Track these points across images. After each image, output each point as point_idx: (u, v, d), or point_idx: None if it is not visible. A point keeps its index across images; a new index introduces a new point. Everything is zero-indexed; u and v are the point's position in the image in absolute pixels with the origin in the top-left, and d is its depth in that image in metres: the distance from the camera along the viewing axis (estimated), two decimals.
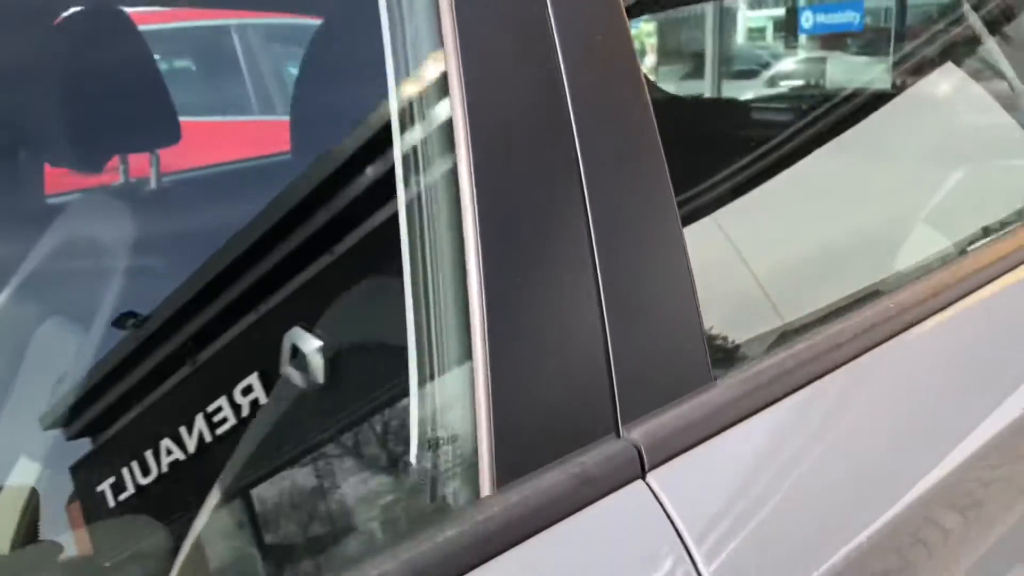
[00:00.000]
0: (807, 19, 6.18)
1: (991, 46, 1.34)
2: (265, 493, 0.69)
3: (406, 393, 0.56)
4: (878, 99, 1.62)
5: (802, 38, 7.08)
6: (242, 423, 0.72)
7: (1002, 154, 1.32)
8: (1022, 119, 1.29)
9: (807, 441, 0.64)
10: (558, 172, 0.55)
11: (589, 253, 0.56)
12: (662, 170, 0.61)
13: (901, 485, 0.67)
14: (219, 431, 0.73)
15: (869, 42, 6.10)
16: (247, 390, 0.72)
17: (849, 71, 5.80)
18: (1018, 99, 1.33)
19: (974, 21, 1.30)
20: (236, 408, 0.72)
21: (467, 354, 0.52)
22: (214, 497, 0.69)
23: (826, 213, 1.04)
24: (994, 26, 1.25)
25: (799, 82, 6.20)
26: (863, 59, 6.12)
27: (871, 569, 0.62)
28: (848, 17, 5.89)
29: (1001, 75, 1.36)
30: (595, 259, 0.56)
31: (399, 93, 0.57)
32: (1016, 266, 0.90)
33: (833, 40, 6.74)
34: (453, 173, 0.53)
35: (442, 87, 0.54)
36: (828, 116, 1.68)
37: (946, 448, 0.72)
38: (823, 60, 6.29)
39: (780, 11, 8.40)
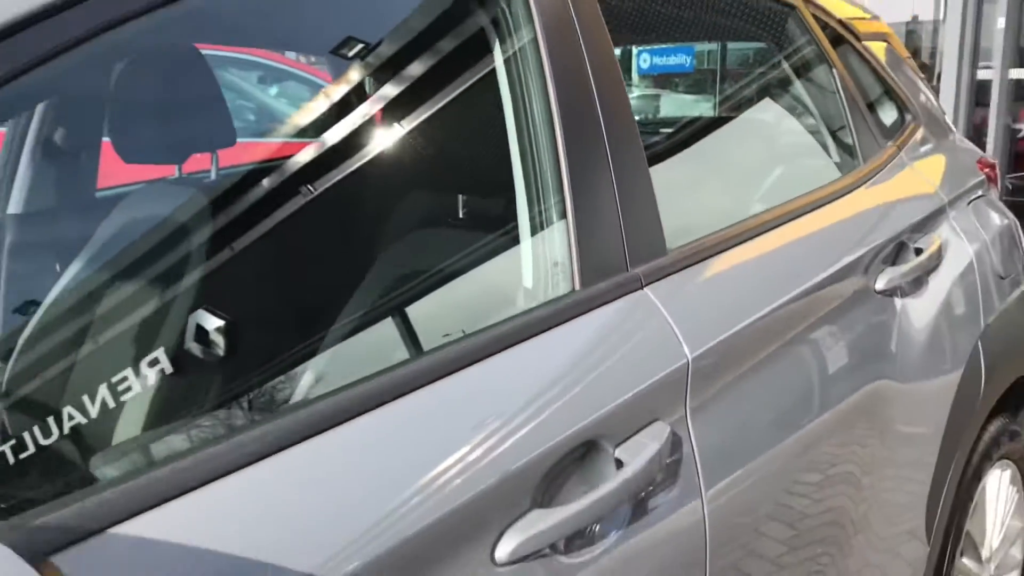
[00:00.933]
0: (644, 60, 7.00)
1: (799, 86, 1.98)
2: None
3: (525, 237, 1.09)
4: (711, 126, 2.25)
5: (636, 77, 7.95)
6: None
7: (804, 158, 1.96)
8: (821, 138, 1.93)
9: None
10: (594, 128, 1.10)
11: (608, 168, 1.11)
12: (637, 133, 1.17)
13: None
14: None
15: (696, 82, 7.01)
16: None
17: (680, 106, 6.66)
18: (819, 124, 1.97)
19: (785, 67, 1.94)
20: None
21: (563, 213, 1.06)
22: None
23: (685, 208, 1.60)
24: (800, 70, 1.88)
25: (637, 116, 7.02)
26: (692, 96, 7.03)
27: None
28: (680, 59, 6.78)
29: (807, 109, 1.99)
30: (612, 171, 1.11)
31: (529, 88, 1.10)
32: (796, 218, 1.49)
33: (664, 79, 7.63)
34: (552, 133, 1.07)
35: (544, 87, 1.08)
36: (669, 138, 2.31)
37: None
38: (657, 96, 7.15)
39: (617, 52, 9.29)
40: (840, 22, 1.83)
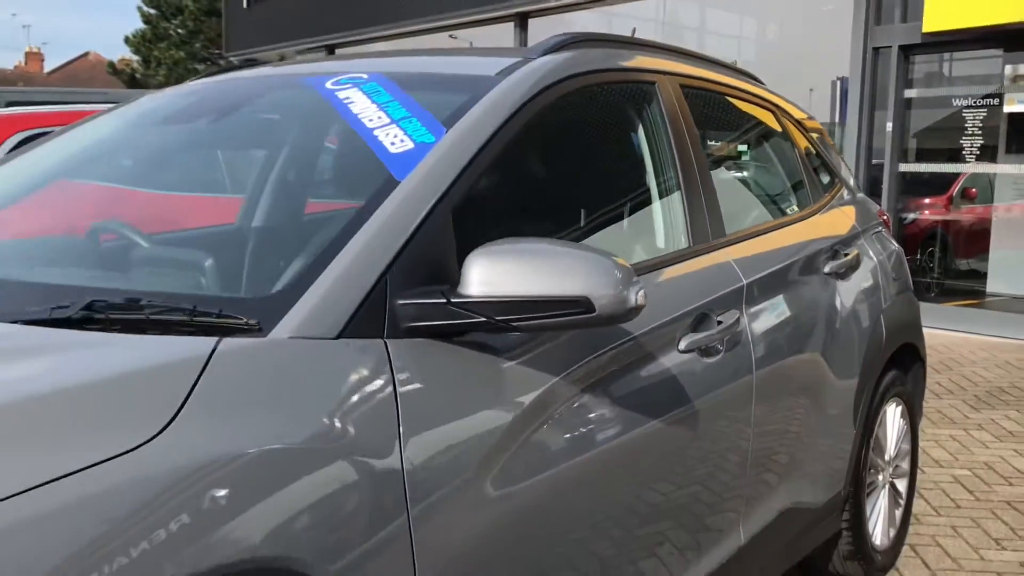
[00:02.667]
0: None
1: (777, 155, 3.09)
2: None
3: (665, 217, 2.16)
4: (733, 170, 3.30)
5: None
6: None
7: (781, 197, 3.06)
8: (788, 187, 3.03)
9: None
10: (690, 163, 2.16)
11: (698, 184, 2.18)
12: (708, 167, 2.26)
13: None
14: None
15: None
16: None
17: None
18: (786, 179, 3.07)
19: (768, 142, 3.05)
20: None
21: (681, 208, 2.14)
22: None
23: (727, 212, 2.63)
24: (776, 145, 3.00)
25: None
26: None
27: None
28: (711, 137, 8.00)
29: (780, 169, 3.09)
30: (700, 186, 2.18)
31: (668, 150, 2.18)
32: (782, 227, 2.61)
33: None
34: (674, 165, 2.15)
35: (668, 143, 2.16)
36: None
37: None
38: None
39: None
40: (798, 121, 3.00)
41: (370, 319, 1.34)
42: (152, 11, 31.47)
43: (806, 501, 2.50)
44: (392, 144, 1.62)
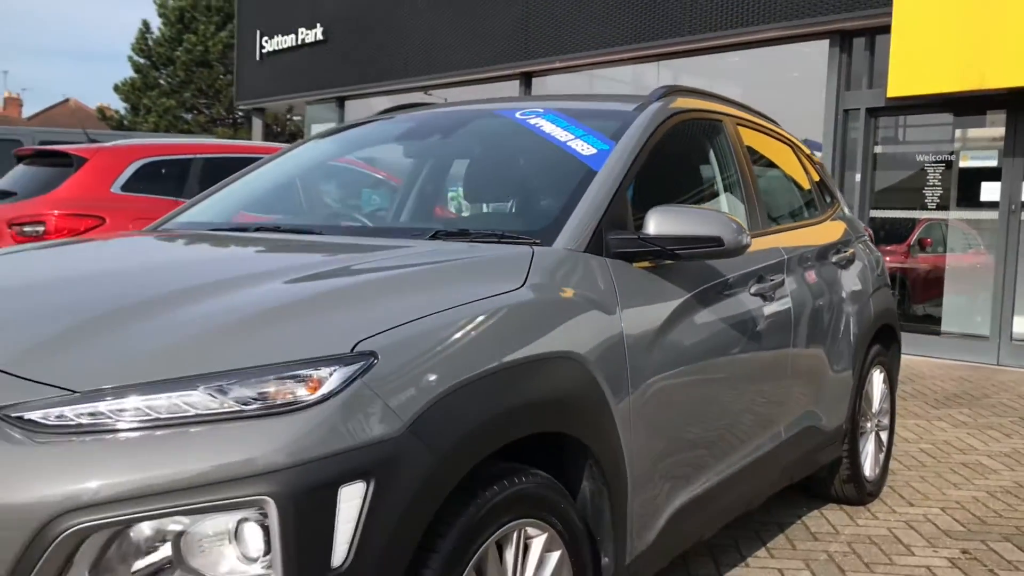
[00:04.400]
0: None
1: (791, 177, 4.11)
2: None
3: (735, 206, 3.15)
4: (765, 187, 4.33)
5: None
6: None
7: (798, 207, 4.07)
8: (801, 201, 4.06)
9: None
10: (750, 174, 3.19)
11: (754, 190, 3.28)
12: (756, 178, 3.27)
13: None
14: None
15: None
16: None
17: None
18: (801, 195, 4.09)
19: (786, 167, 4.07)
20: None
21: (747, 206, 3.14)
22: None
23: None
24: (792, 170, 4.01)
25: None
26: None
27: None
28: None
29: (796, 187, 4.12)
30: (755, 191, 3.23)
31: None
32: (801, 228, 3.63)
33: None
34: (745, 178, 3.16)
35: (734, 161, 3.17)
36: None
37: None
38: None
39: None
40: (807, 155, 4.04)
41: (595, 245, 2.30)
42: (143, 61, 32.42)
43: (821, 424, 3.46)
44: (583, 150, 2.60)
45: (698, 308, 2.56)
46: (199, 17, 30.96)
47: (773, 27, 9.22)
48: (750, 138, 3.37)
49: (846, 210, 4.28)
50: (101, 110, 35.71)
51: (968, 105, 8.29)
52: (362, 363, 1.60)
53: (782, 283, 3.07)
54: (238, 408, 1.50)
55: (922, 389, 6.86)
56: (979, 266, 8.59)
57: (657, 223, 2.35)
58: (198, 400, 1.50)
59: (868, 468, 3.98)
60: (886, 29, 8.35)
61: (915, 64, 8.06)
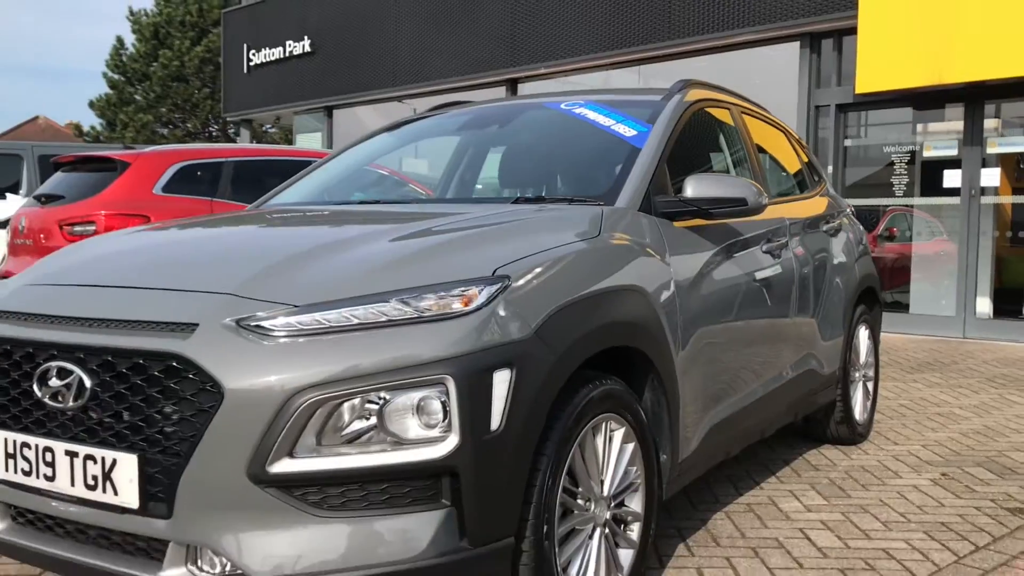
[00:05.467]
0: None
1: (786, 158, 4.69)
2: None
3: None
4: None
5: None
6: None
7: (794, 183, 4.65)
8: (793, 179, 4.64)
9: None
10: (758, 156, 3.76)
11: (759, 165, 3.80)
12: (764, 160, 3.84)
13: None
14: None
15: None
16: None
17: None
18: (791, 173, 4.68)
19: (782, 151, 4.65)
20: None
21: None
22: None
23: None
24: (784, 152, 4.59)
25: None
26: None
27: None
28: None
29: (789, 166, 4.70)
30: (760, 165, 3.77)
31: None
32: (796, 200, 4.21)
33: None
34: (754, 157, 3.73)
35: (743, 143, 3.74)
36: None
37: None
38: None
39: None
40: (797, 139, 4.62)
41: (646, 206, 2.85)
42: (118, 77, 32.62)
43: (818, 369, 4.02)
44: (624, 132, 3.15)
45: (724, 259, 3.12)
46: (174, 33, 31.26)
47: (747, 31, 9.86)
48: (751, 123, 3.94)
49: (831, 188, 4.87)
50: (77, 126, 35.80)
51: (930, 99, 8.97)
52: (500, 283, 2.13)
53: (786, 244, 3.64)
54: (418, 315, 2.02)
55: (897, 359, 7.49)
56: (944, 251, 9.26)
57: (694, 187, 2.90)
58: (389, 309, 2.02)
59: (858, 412, 4.56)
60: (852, 31, 9.02)
61: (880, 62, 8.72)
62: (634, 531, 2.53)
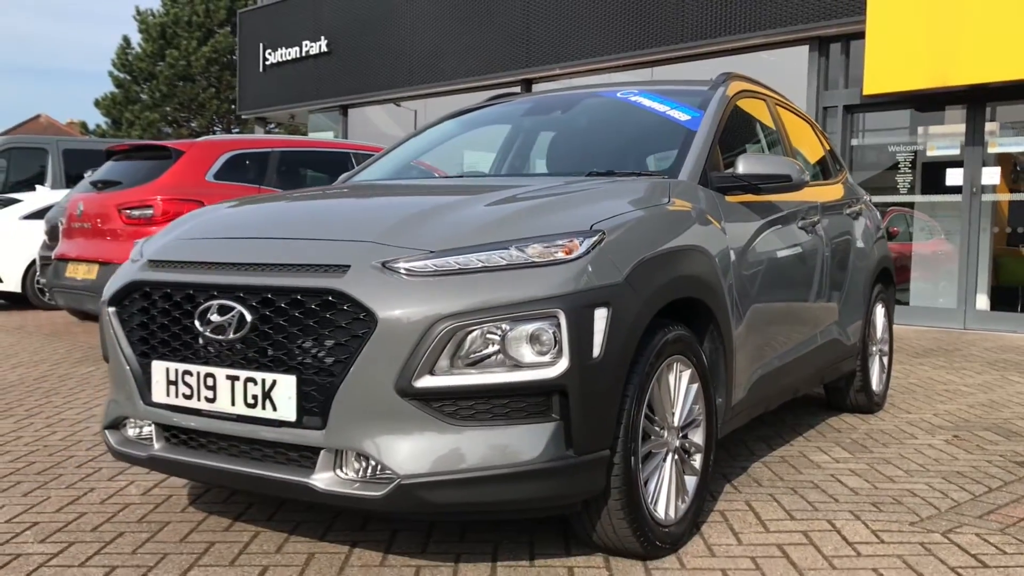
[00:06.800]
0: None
1: (810, 148, 5.08)
2: None
3: None
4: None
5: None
6: None
7: (818, 169, 5.04)
8: (818, 166, 5.03)
9: None
10: (789, 140, 4.15)
11: (790, 149, 4.18)
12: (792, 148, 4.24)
13: None
14: None
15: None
16: None
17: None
18: (816, 160, 5.07)
19: (807, 141, 5.04)
20: None
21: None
22: None
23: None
24: (810, 142, 4.98)
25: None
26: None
27: None
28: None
29: (813, 153, 5.10)
30: (791, 149, 4.18)
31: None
32: (820, 185, 4.61)
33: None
34: (787, 140, 4.13)
35: (780, 130, 4.13)
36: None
37: None
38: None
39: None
40: (821, 131, 5.01)
41: (704, 181, 3.23)
42: (124, 76, 32.94)
43: (843, 339, 4.41)
44: (679, 117, 3.53)
45: (769, 231, 3.51)
46: (181, 33, 31.59)
47: (757, 34, 10.27)
48: (783, 114, 4.33)
49: (850, 177, 5.26)
50: (83, 125, 36.09)
51: (933, 101, 9.39)
52: (597, 236, 2.51)
53: (818, 223, 4.03)
54: (531, 260, 2.40)
55: (902, 346, 7.89)
56: (946, 249, 9.67)
57: (745, 164, 3.29)
58: (507, 255, 2.40)
59: (875, 383, 4.95)
60: (860, 35, 9.43)
61: (887, 65, 9.14)
62: (696, 461, 2.91)
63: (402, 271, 2.36)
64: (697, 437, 2.92)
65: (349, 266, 2.39)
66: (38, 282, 9.62)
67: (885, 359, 5.19)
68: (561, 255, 2.44)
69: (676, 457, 2.80)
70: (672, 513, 2.74)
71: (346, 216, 2.90)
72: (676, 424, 2.80)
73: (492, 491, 2.33)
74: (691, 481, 2.89)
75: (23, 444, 4.07)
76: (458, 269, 2.37)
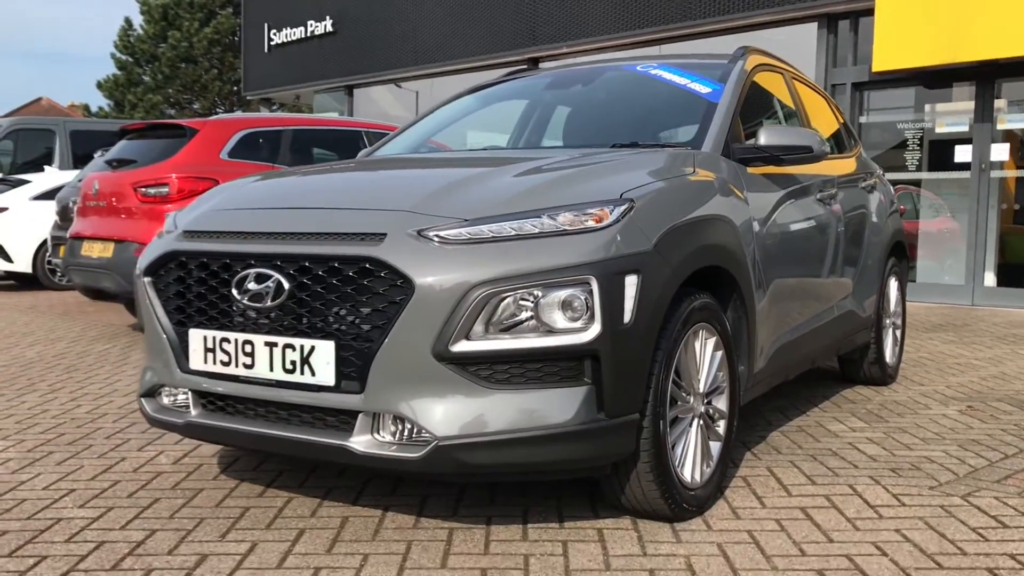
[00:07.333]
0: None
1: (829, 122, 5.11)
2: None
3: None
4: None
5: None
6: None
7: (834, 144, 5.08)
8: (834, 140, 5.07)
9: None
10: (808, 118, 4.19)
11: (808, 122, 4.20)
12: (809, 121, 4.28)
13: None
14: None
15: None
16: None
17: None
18: (833, 135, 5.11)
19: (825, 116, 5.07)
20: None
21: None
22: None
23: None
24: (828, 118, 5.02)
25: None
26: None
27: None
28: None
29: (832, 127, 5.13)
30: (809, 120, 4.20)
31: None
32: (837, 159, 4.65)
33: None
34: (805, 117, 4.16)
35: (799, 108, 4.17)
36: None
37: None
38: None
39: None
40: (835, 105, 5.04)
41: (726, 151, 3.27)
42: (126, 58, 32.87)
43: (858, 311, 4.46)
44: (700, 89, 3.57)
45: (789, 202, 3.55)
46: (183, 14, 31.49)
47: (766, 11, 10.26)
48: (800, 87, 4.36)
49: (863, 152, 5.30)
50: (85, 107, 36.03)
51: (942, 78, 9.39)
52: (627, 204, 2.55)
53: (835, 195, 4.07)
54: (563, 228, 2.44)
55: (912, 321, 7.94)
56: (952, 226, 9.71)
57: (766, 136, 3.32)
58: (540, 223, 2.44)
59: (888, 355, 5.00)
60: (869, 12, 9.42)
61: (896, 42, 9.13)
62: (720, 427, 2.97)
63: (437, 239, 2.41)
64: (721, 404, 2.97)
65: (386, 234, 2.43)
66: (49, 262, 9.67)
67: (898, 332, 5.24)
68: (592, 223, 2.48)
69: (701, 422, 2.86)
70: (698, 477, 2.80)
71: (380, 186, 2.95)
72: (701, 390, 2.86)
73: (527, 453, 2.38)
74: (715, 446, 2.94)
75: (50, 417, 4.13)
76: (492, 237, 2.41)
